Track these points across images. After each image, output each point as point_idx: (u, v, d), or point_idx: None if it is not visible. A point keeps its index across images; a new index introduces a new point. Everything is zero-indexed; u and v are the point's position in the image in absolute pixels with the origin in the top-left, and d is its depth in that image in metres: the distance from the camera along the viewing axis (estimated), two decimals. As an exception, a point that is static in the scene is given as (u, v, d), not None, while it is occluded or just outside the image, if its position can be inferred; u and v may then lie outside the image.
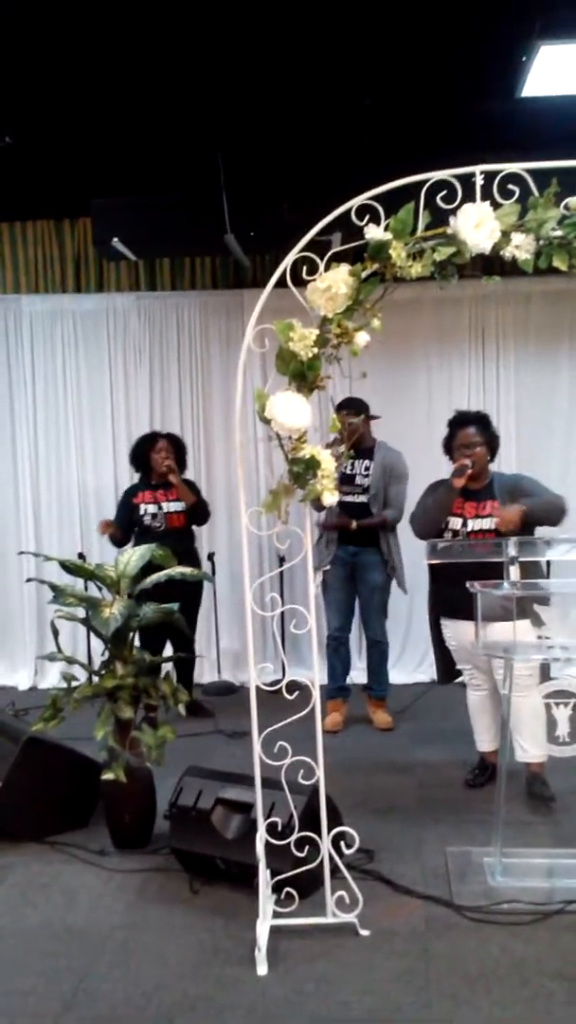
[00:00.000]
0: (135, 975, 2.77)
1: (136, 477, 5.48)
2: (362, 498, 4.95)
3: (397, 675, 5.72)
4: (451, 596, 3.63)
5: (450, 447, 4.02)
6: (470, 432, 3.90)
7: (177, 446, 5.39)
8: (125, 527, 5.27)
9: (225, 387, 6.03)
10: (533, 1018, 2.51)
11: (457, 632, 3.90)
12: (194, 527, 5.46)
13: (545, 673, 3.39)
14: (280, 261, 5.41)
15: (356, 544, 5.01)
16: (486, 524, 3.79)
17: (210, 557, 5.88)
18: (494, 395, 5.99)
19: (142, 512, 5.26)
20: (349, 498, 4.84)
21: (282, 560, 5.67)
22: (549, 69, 3.94)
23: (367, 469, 4.98)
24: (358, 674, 5.55)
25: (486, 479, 3.93)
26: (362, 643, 5.54)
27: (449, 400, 6.06)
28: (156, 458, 5.27)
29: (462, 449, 3.90)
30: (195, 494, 5.35)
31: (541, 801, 3.77)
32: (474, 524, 3.81)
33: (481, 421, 4.02)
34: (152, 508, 5.26)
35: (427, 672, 6.01)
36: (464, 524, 3.82)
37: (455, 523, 3.85)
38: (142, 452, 5.35)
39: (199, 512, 5.36)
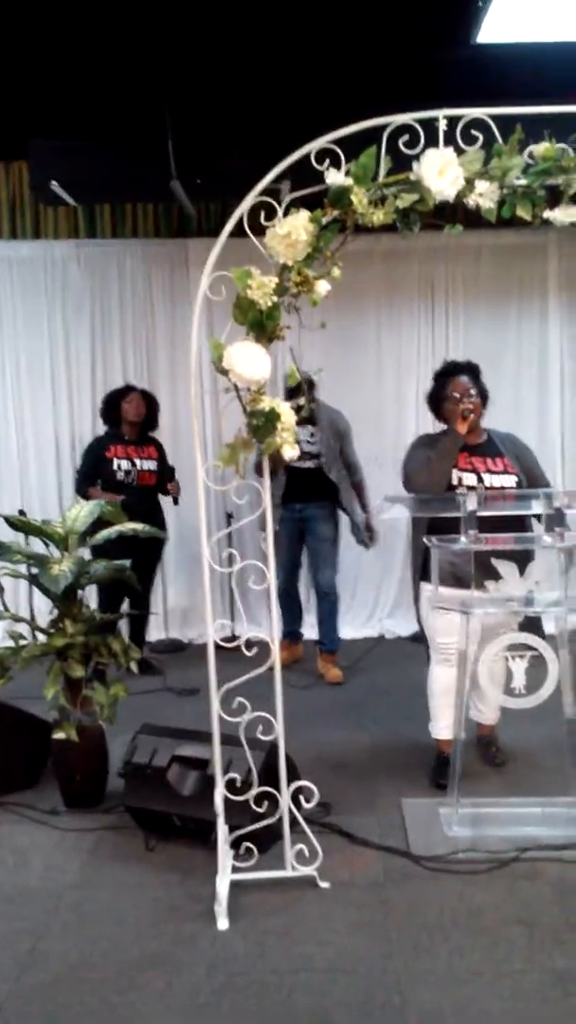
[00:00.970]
0: (92, 934, 2.73)
1: (94, 431, 5.40)
2: (310, 464, 4.92)
3: (346, 630, 5.74)
4: (448, 561, 3.27)
5: (438, 399, 3.73)
6: (464, 381, 3.66)
7: (149, 401, 5.28)
8: (91, 480, 5.16)
9: (170, 339, 5.88)
10: (492, 964, 2.54)
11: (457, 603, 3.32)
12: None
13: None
14: (227, 210, 5.31)
15: (301, 501, 5.00)
16: (506, 481, 3.52)
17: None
18: (443, 350, 5.95)
19: (115, 467, 5.14)
20: (297, 463, 4.79)
21: (230, 517, 5.64)
22: (505, 15, 3.87)
23: (312, 435, 4.94)
24: (310, 630, 5.56)
25: (483, 433, 3.69)
26: (312, 598, 5.53)
27: (399, 354, 6.05)
28: (127, 408, 5.17)
29: (458, 398, 3.60)
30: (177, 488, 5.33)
31: (491, 763, 3.78)
32: (492, 479, 3.52)
33: (473, 370, 3.76)
34: (125, 464, 5.15)
35: (375, 627, 6.06)
36: (480, 480, 3.52)
37: (469, 479, 3.52)
38: (114, 403, 5.23)
39: (177, 500, 5.36)
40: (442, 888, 2.91)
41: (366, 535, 5.08)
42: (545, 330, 6.06)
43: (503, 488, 3.49)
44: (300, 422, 4.70)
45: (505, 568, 3.11)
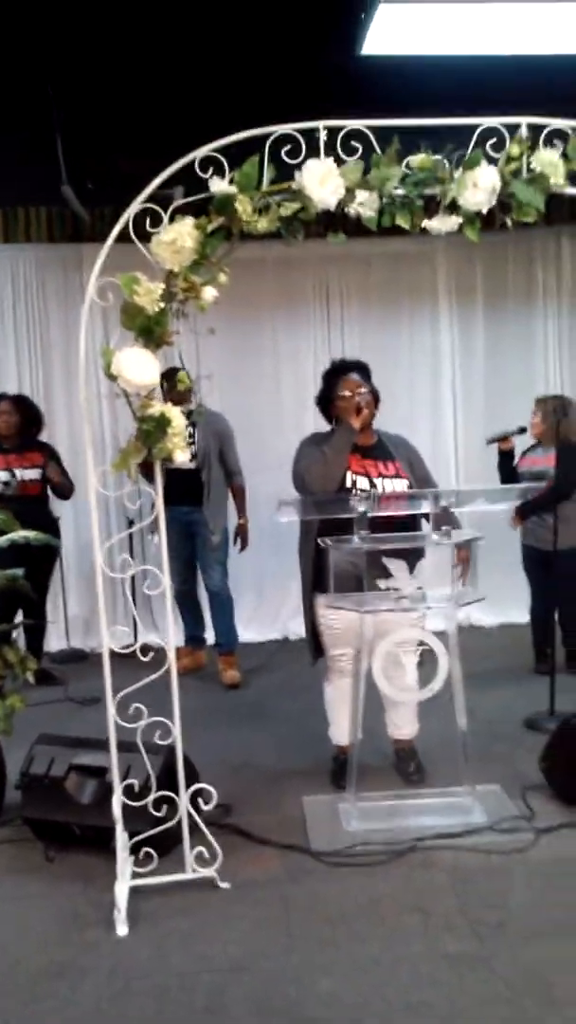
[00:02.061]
0: (-7, 948, 2.70)
1: None
2: (190, 465, 4.93)
3: (251, 633, 5.78)
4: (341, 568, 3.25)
5: (328, 399, 3.67)
6: (355, 378, 3.61)
7: (24, 408, 5.18)
8: None
9: (64, 344, 5.83)
10: (393, 952, 2.61)
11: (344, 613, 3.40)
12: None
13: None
14: (119, 214, 5.28)
15: (187, 504, 5.01)
16: (398, 485, 3.48)
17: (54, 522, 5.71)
18: (339, 355, 6.03)
19: None
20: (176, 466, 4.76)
21: (131, 522, 5.60)
22: (388, 28, 3.97)
23: (191, 435, 4.95)
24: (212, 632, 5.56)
25: (373, 434, 3.63)
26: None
27: (296, 360, 6.12)
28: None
29: (348, 395, 3.54)
30: (63, 474, 5.18)
31: (407, 779, 3.66)
32: (384, 484, 3.46)
33: (363, 369, 3.69)
34: (4, 475, 5.05)
35: (280, 629, 6.10)
36: (372, 484, 3.46)
37: (362, 482, 3.46)
38: None
39: (66, 491, 5.22)
40: (342, 882, 2.97)
41: (234, 541, 5.14)
42: (437, 334, 6.23)
43: (395, 494, 3.46)
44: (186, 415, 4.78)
45: (395, 565, 3.19)
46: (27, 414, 5.17)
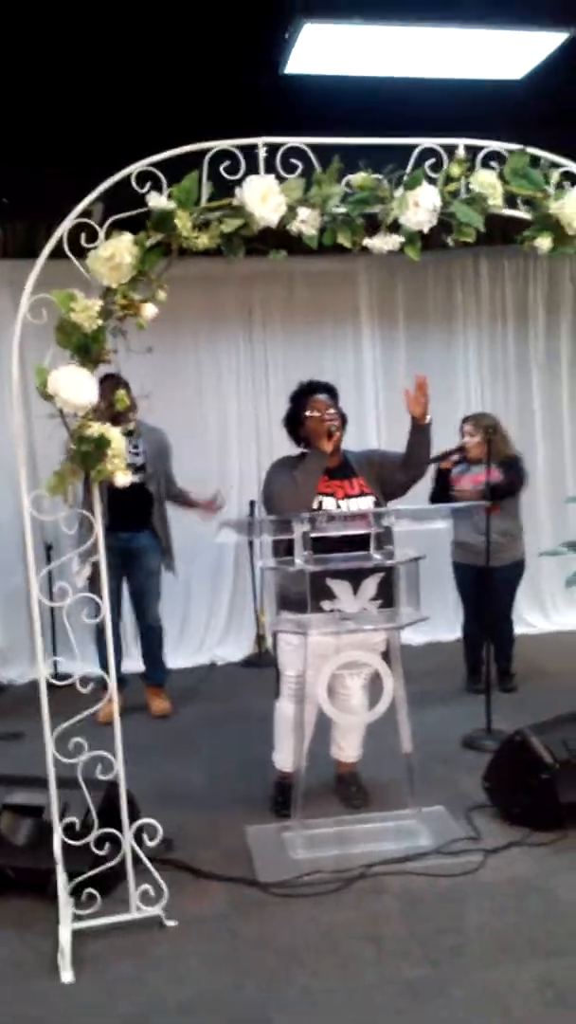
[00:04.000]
0: None
1: None
2: (136, 478, 4.80)
3: (177, 659, 5.64)
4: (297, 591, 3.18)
5: (297, 419, 3.63)
6: (324, 399, 3.60)
7: None
8: None
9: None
10: (346, 982, 2.55)
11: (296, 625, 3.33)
12: None
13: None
14: (34, 230, 5.16)
15: (129, 529, 4.85)
16: (363, 503, 3.49)
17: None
18: (262, 373, 6.04)
19: None
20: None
21: (49, 548, 5.43)
22: (315, 48, 3.97)
23: (136, 447, 4.84)
24: (132, 662, 5.39)
25: (340, 456, 3.62)
26: (135, 630, 5.37)
27: (218, 377, 6.06)
28: None
29: (320, 416, 3.52)
30: None
31: (349, 803, 3.62)
32: (349, 503, 3.48)
33: (331, 391, 3.68)
34: None
35: (206, 654, 5.99)
36: (338, 505, 3.46)
37: (328, 503, 3.46)
38: None
39: None
40: (291, 912, 2.90)
41: (167, 560, 4.99)
42: (359, 352, 6.24)
43: (359, 511, 3.45)
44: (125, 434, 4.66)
45: (339, 587, 3.15)
46: None
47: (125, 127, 4.34)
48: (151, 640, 5.06)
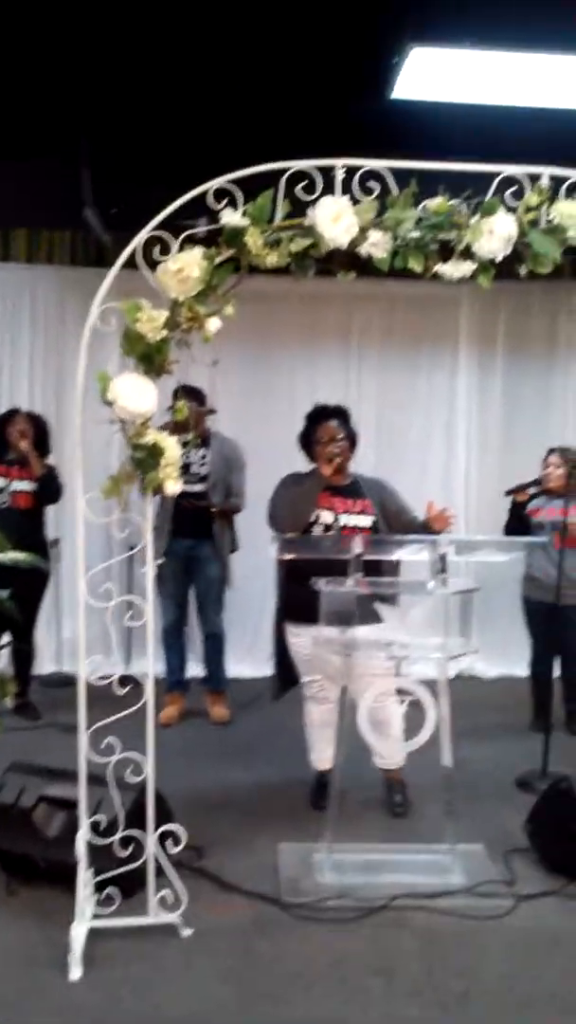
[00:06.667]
0: None
1: None
2: (199, 487, 4.87)
3: (244, 668, 5.67)
4: (308, 600, 3.22)
5: (308, 442, 3.83)
6: (333, 425, 3.76)
7: (37, 425, 5.16)
8: None
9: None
10: (349, 1015, 2.51)
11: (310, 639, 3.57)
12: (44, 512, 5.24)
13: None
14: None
15: (192, 537, 4.91)
16: (361, 521, 3.64)
17: (55, 543, 5.65)
18: (356, 394, 6.00)
19: None
20: (185, 487, 4.70)
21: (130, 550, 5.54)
22: (420, 72, 3.97)
23: (203, 458, 4.90)
24: (198, 668, 5.46)
25: (349, 476, 3.79)
26: (197, 637, 5.43)
27: (312, 399, 6.01)
28: (12, 432, 5.04)
29: (325, 442, 3.72)
30: (47, 469, 5.12)
31: (391, 809, 3.73)
32: (346, 519, 3.64)
33: (342, 415, 3.86)
34: (0, 482, 5.03)
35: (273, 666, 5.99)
36: (336, 519, 3.64)
37: (326, 517, 3.64)
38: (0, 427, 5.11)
39: (46, 487, 5.12)
40: (308, 936, 2.87)
41: (223, 571, 5.03)
42: (455, 379, 6.17)
43: (356, 528, 3.60)
44: (196, 445, 4.74)
45: (387, 611, 3.12)
46: (39, 431, 5.14)
47: (230, 147, 4.43)
48: (212, 647, 5.13)
